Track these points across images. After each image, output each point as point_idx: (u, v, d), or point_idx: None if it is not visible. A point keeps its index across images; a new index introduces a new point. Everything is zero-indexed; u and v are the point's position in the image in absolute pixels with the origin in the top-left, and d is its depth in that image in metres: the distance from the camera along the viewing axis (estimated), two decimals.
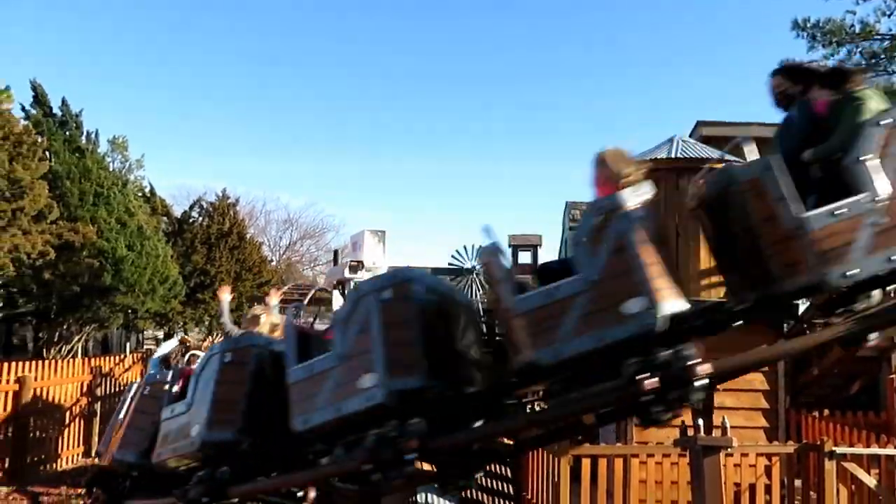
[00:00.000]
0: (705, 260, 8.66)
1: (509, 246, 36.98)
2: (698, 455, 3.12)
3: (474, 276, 31.27)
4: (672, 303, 3.73)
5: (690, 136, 10.24)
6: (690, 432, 3.23)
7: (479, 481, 8.88)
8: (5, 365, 10.12)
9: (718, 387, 4.39)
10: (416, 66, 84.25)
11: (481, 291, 31.35)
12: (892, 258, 3.46)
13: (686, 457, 7.41)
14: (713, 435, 3.14)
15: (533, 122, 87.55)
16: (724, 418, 3.24)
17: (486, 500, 8.73)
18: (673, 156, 8.85)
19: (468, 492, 8.77)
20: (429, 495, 8.59)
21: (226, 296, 7.96)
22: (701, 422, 3.18)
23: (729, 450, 3.23)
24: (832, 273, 3.48)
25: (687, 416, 3.35)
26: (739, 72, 72.19)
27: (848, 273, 3.48)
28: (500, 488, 8.92)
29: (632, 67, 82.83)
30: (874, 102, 3.87)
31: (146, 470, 6.10)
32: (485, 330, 6.36)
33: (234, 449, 5.04)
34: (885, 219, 3.50)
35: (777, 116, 4.57)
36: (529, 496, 8.74)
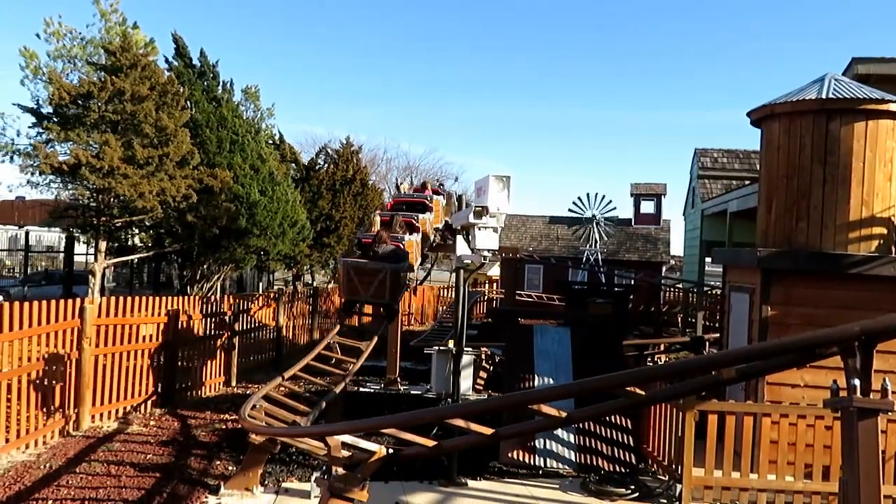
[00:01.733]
0: (856, 209, 7.92)
1: (632, 195, 35.66)
2: (852, 417, 2.87)
3: (594, 224, 30.61)
4: None
5: (844, 74, 9.26)
6: (842, 394, 2.97)
7: (597, 430, 8.85)
8: (155, 299, 11.01)
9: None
10: (541, 15, 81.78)
11: (602, 240, 30.68)
12: None
13: (824, 419, 7.02)
14: (870, 397, 2.87)
15: (660, 71, 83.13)
16: (885, 379, 2.94)
17: (604, 449, 8.64)
18: (824, 96, 8.03)
19: (586, 439, 8.73)
20: (547, 441, 8.63)
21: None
22: (857, 382, 2.91)
23: (890, 414, 2.96)
24: None
25: (840, 377, 3.09)
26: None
27: None
28: (618, 438, 8.80)
29: (767, 12, 76.28)
30: None
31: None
32: None
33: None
34: None
35: None
36: (650, 448, 8.57)
